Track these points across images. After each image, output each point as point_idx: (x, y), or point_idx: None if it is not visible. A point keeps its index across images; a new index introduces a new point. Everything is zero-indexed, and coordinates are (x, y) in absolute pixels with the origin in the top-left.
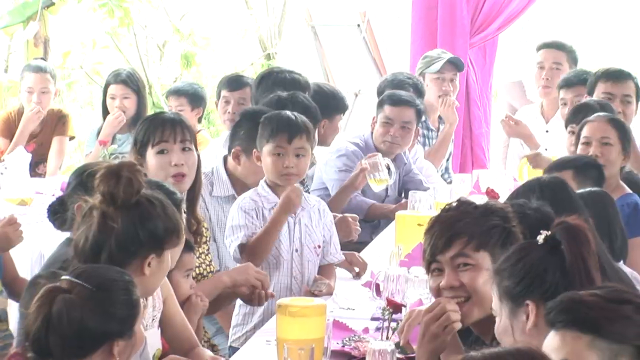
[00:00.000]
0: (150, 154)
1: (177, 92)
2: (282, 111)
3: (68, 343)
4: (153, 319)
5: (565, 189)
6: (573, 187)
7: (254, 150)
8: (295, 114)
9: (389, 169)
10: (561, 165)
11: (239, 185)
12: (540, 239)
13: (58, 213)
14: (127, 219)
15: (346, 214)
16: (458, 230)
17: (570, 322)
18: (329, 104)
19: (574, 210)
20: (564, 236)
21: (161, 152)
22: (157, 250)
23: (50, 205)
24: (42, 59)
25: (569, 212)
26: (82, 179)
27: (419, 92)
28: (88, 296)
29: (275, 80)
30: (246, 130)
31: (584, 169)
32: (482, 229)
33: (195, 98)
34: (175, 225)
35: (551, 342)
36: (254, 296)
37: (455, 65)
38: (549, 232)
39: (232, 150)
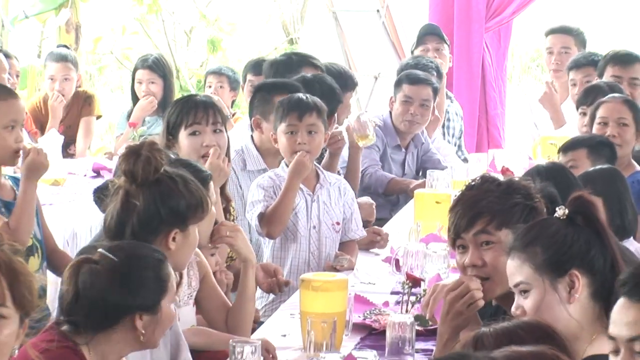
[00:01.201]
0: (183, 135)
1: (218, 72)
2: (294, 94)
3: (92, 312)
4: (189, 297)
5: (565, 173)
6: (587, 165)
7: (274, 124)
8: (307, 95)
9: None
10: (576, 143)
11: (269, 157)
12: (560, 213)
13: (101, 197)
14: (148, 197)
15: (368, 198)
16: (480, 210)
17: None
18: (337, 83)
19: (577, 187)
20: (583, 210)
21: (193, 133)
22: (180, 226)
23: (96, 189)
24: (64, 46)
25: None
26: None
27: (440, 74)
28: (113, 268)
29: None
30: (259, 99)
31: (597, 148)
32: (504, 207)
33: (234, 80)
34: (199, 201)
35: (625, 315)
36: (272, 288)
37: (436, 34)
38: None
39: (253, 120)
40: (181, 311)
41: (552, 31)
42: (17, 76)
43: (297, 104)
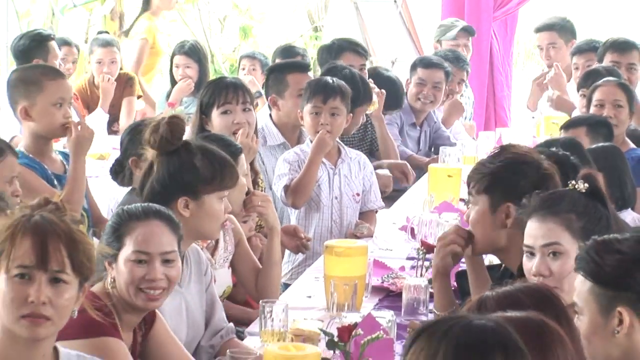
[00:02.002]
0: (215, 114)
1: (252, 56)
2: (323, 77)
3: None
4: (225, 260)
5: (580, 148)
6: (586, 142)
7: (302, 103)
8: (334, 79)
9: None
10: (576, 122)
11: (287, 132)
12: (581, 187)
13: (118, 172)
14: (162, 166)
15: (387, 170)
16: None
17: (578, 267)
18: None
19: (587, 165)
20: (593, 185)
21: (225, 112)
22: (189, 195)
23: (111, 168)
24: (106, 32)
25: (584, 166)
26: (131, 137)
27: (459, 60)
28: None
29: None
30: (273, 79)
31: (595, 127)
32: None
33: (265, 64)
34: (213, 175)
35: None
36: (299, 248)
37: (467, 32)
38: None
39: (269, 99)
40: (218, 273)
41: (538, 29)
42: (74, 62)
43: (324, 88)
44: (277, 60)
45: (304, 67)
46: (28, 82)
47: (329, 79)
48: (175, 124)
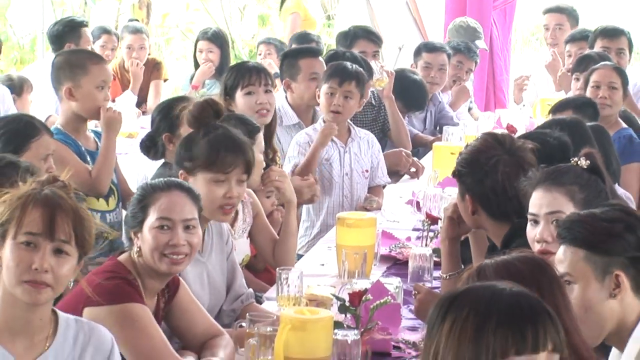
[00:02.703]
0: (239, 95)
1: (267, 42)
2: (342, 62)
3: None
4: (243, 231)
5: (583, 127)
6: None
7: (321, 83)
8: (354, 65)
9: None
10: (564, 104)
11: (302, 113)
12: (583, 163)
13: (149, 147)
14: (179, 144)
15: (402, 149)
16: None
17: (570, 238)
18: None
19: (589, 143)
20: (593, 162)
21: (248, 93)
22: (185, 169)
23: (141, 142)
24: (135, 20)
25: (585, 144)
26: (163, 114)
27: (469, 51)
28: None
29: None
30: (287, 64)
31: (581, 107)
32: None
33: (280, 49)
34: (210, 159)
35: (558, 254)
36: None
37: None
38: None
39: (284, 82)
40: (237, 243)
41: (548, 10)
42: (113, 49)
43: (341, 72)
44: (294, 46)
45: (315, 52)
46: (74, 65)
47: (348, 64)
48: (205, 105)
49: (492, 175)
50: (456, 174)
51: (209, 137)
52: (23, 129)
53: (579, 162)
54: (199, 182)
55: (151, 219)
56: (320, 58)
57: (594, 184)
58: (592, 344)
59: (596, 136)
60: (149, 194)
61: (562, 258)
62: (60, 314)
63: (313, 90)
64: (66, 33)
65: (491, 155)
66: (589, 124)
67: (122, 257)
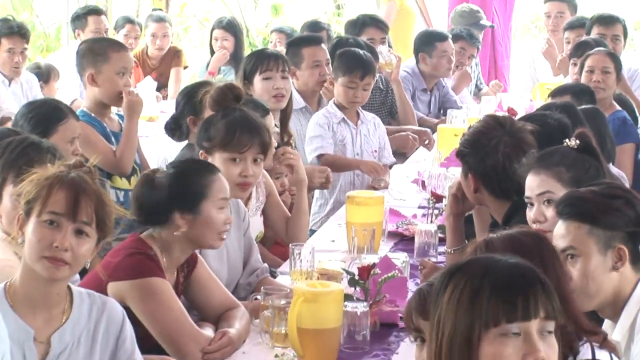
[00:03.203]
0: (257, 79)
1: (279, 30)
2: (356, 50)
3: (149, 212)
4: (257, 209)
5: (574, 110)
6: None
7: (330, 77)
8: (367, 54)
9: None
10: (562, 90)
11: (307, 97)
12: (572, 144)
13: (174, 129)
14: (199, 125)
15: (409, 133)
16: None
17: (573, 214)
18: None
19: (581, 124)
20: (586, 141)
21: (266, 78)
22: (205, 150)
23: (166, 124)
24: (159, 9)
25: (576, 126)
26: (187, 98)
27: (472, 37)
28: (167, 177)
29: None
30: (291, 52)
31: (580, 94)
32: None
33: (291, 36)
34: (224, 137)
35: (559, 230)
36: (323, 184)
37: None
38: (577, 139)
39: (290, 71)
40: (252, 220)
41: None
42: (136, 38)
43: (361, 64)
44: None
45: (317, 40)
46: (96, 52)
47: (363, 56)
48: (225, 89)
49: (493, 155)
50: (459, 154)
51: (226, 119)
52: (51, 113)
53: (569, 143)
54: (217, 161)
55: (210, 201)
56: (323, 45)
57: (581, 162)
58: (584, 309)
59: (592, 118)
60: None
61: (565, 233)
62: (74, 288)
63: (316, 77)
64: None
65: (492, 137)
66: (585, 106)
67: (143, 235)
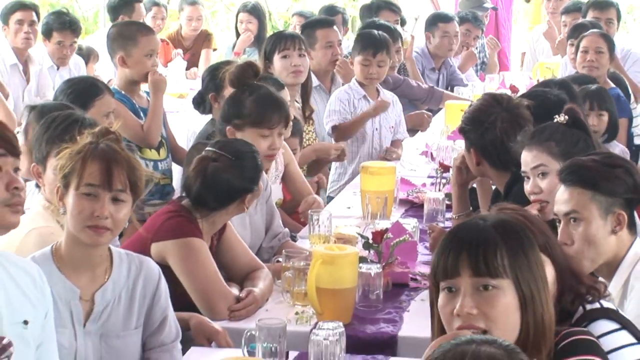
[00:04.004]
0: (277, 58)
1: (300, 14)
2: (372, 31)
3: (219, 196)
4: (276, 177)
5: (570, 86)
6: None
7: (350, 57)
8: (382, 34)
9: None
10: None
11: (321, 76)
12: (561, 119)
13: (199, 103)
14: (226, 102)
15: (423, 111)
16: None
17: (576, 180)
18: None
19: (575, 100)
20: (575, 117)
21: (284, 57)
22: (233, 125)
23: (193, 98)
24: None
25: (572, 101)
26: (212, 76)
27: (476, 20)
28: (230, 164)
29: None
30: (305, 34)
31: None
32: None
33: None
34: (256, 113)
35: (562, 195)
36: (339, 157)
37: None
38: (565, 115)
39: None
40: (272, 187)
41: None
42: (163, 19)
43: (373, 44)
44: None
45: (329, 23)
46: (125, 36)
47: (377, 34)
48: (245, 66)
49: (492, 130)
50: (461, 130)
51: (254, 97)
52: (88, 89)
53: (559, 119)
54: (247, 137)
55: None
56: (335, 27)
57: (570, 136)
58: (585, 272)
59: (602, 98)
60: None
61: (568, 198)
62: (114, 249)
63: (329, 57)
64: (121, 6)
65: (490, 113)
66: (593, 86)
67: (185, 202)
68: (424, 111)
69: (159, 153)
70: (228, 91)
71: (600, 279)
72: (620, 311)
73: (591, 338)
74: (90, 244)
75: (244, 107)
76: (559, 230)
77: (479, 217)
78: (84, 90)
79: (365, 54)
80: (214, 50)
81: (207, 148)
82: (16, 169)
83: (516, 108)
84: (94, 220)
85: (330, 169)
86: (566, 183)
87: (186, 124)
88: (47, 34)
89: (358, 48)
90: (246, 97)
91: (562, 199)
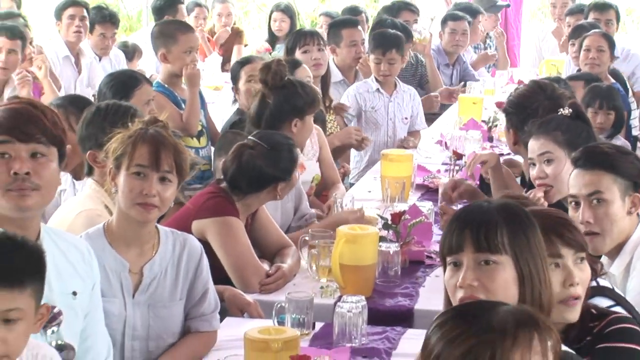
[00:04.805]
0: (298, 53)
1: (327, 14)
2: (384, 31)
3: (252, 181)
4: (312, 154)
5: (566, 83)
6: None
7: (368, 53)
8: (394, 33)
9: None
10: (575, 77)
11: (345, 72)
12: (566, 112)
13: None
14: (277, 97)
15: (431, 94)
16: None
17: (597, 163)
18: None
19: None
20: (578, 110)
21: (305, 51)
22: (299, 116)
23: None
24: None
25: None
26: (238, 69)
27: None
28: (266, 152)
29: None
30: (331, 33)
31: (590, 82)
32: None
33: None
34: (313, 99)
35: (580, 179)
36: (360, 145)
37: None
38: (569, 108)
39: (330, 48)
40: (308, 164)
41: None
42: (205, 19)
43: (382, 44)
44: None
45: (354, 23)
46: (166, 34)
47: (388, 34)
48: (283, 64)
49: (533, 117)
50: (505, 111)
51: (304, 88)
52: (128, 81)
53: (563, 112)
54: (306, 123)
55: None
56: (359, 27)
57: (574, 127)
58: (604, 251)
59: (612, 97)
60: None
61: (590, 181)
62: (160, 227)
63: (353, 54)
64: (165, 7)
65: (534, 100)
66: (604, 85)
67: (223, 185)
68: (431, 94)
69: (199, 141)
70: (243, 84)
71: (603, 259)
72: (617, 289)
73: (638, 329)
74: (140, 220)
75: (300, 98)
76: (580, 211)
77: (484, 200)
78: (125, 82)
79: (377, 53)
80: (245, 46)
81: (248, 137)
82: (34, 154)
83: (559, 98)
84: (142, 197)
85: (350, 154)
86: (586, 167)
87: (221, 115)
88: (90, 28)
89: (371, 47)
90: (296, 90)
91: (582, 182)
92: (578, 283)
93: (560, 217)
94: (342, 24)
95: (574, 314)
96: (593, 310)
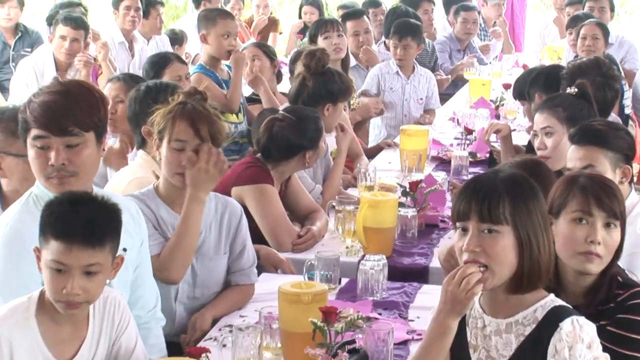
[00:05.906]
0: (320, 40)
1: (343, 6)
2: (401, 20)
3: (281, 150)
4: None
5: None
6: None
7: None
8: (411, 22)
9: None
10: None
11: (356, 57)
12: (572, 91)
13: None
14: (315, 82)
15: (442, 77)
16: None
17: (589, 138)
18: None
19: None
20: (584, 90)
21: (326, 38)
22: (333, 101)
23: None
24: None
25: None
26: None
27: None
28: (293, 124)
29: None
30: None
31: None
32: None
33: None
34: (347, 87)
35: (576, 153)
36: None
37: None
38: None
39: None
40: (327, 138)
41: None
42: (240, 9)
43: (399, 30)
44: (370, 10)
45: (357, 14)
46: (208, 18)
47: (403, 23)
48: (326, 54)
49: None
50: (562, 76)
51: (340, 76)
52: (159, 61)
53: (569, 90)
54: (338, 109)
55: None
56: (365, 18)
57: (577, 105)
58: None
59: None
60: None
61: (583, 155)
62: None
63: (356, 43)
64: None
65: (587, 73)
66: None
67: (259, 155)
68: (443, 77)
69: (237, 117)
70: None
71: None
72: None
73: None
74: (180, 187)
75: (335, 85)
76: None
77: (493, 170)
78: (157, 62)
79: (394, 38)
80: (280, 33)
81: (280, 111)
82: (69, 145)
83: (611, 78)
84: (181, 168)
85: (369, 126)
86: (580, 143)
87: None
88: (116, 5)
89: (391, 33)
90: (334, 75)
91: (577, 156)
92: (600, 242)
93: (606, 183)
94: (346, 17)
95: (593, 266)
96: (619, 278)
